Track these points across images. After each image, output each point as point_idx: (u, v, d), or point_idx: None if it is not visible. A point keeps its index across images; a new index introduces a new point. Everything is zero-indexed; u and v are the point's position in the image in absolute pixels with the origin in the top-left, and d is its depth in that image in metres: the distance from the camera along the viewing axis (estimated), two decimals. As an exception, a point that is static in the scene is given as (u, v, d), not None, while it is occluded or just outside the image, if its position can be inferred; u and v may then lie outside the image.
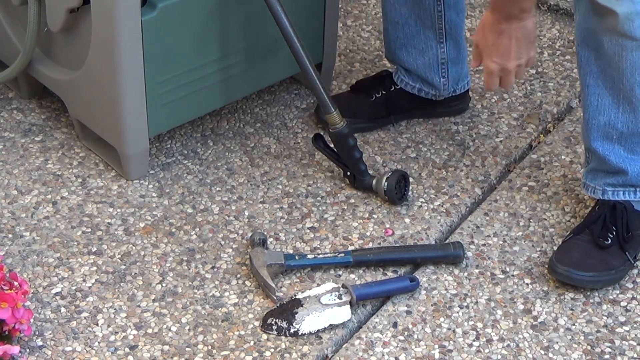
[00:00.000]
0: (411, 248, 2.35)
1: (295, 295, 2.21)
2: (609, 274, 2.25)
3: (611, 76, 2.17)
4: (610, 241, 2.26)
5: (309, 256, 2.30)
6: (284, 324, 2.15)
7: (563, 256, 2.26)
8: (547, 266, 2.29)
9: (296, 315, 2.17)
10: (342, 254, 2.30)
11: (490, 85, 2.21)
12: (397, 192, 2.45)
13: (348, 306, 2.18)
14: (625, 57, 2.11)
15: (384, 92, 2.66)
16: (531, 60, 2.19)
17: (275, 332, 2.15)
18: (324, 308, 2.17)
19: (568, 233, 2.33)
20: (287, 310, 2.18)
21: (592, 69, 2.19)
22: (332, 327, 2.16)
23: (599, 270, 2.24)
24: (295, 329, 2.15)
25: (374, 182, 2.47)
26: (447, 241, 2.38)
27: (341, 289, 2.21)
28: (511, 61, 2.16)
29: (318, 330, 2.15)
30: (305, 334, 2.15)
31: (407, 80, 2.63)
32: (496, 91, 2.71)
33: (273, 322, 2.16)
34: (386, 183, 2.44)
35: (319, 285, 2.26)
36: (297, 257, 2.29)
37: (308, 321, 2.16)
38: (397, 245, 2.37)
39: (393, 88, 2.65)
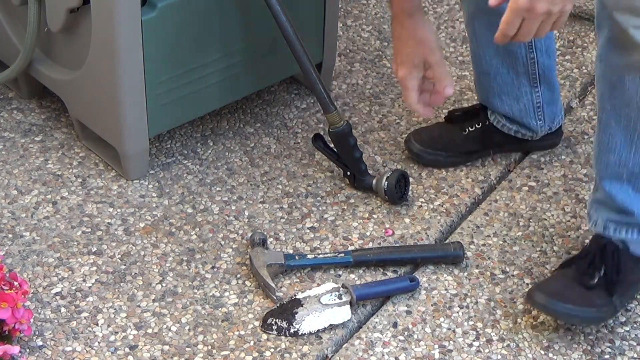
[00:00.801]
0: (411, 248, 2.35)
1: (295, 295, 2.21)
2: (589, 311, 2.10)
3: (627, 115, 2.01)
4: (596, 281, 2.11)
5: (309, 256, 2.30)
6: (284, 324, 2.16)
7: (543, 285, 2.15)
8: (525, 294, 2.19)
9: (296, 315, 2.17)
10: (342, 254, 2.29)
11: (508, 29, 1.87)
12: (397, 191, 2.45)
13: (348, 306, 2.18)
14: None
15: (478, 126, 2.54)
16: (564, 15, 1.86)
17: (275, 332, 2.15)
18: (324, 308, 2.17)
19: (555, 268, 2.23)
20: (287, 310, 2.18)
21: (606, 106, 2.04)
22: (332, 327, 2.16)
23: (578, 304, 2.09)
24: (295, 329, 2.15)
25: (374, 181, 2.47)
26: (447, 241, 2.38)
27: (341, 289, 2.21)
28: (544, 1, 1.82)
29: (318, 330, 2.15)
30: (305, 334, 2.15)
31: (504, 122, 2.52)
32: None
33: (273, 322, 2.16)
34: (386, 182, 2.44)
35: (319, 285, 2.26)
36: (297, 257, 2.29)
37: (308, 321, 2.16)
38: (397, 245, 2.37)
39: (488, 122, 2.54)
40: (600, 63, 2.01)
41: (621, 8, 1.88)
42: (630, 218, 2.10)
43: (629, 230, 2.11)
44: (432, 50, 2.13)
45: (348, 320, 2.18)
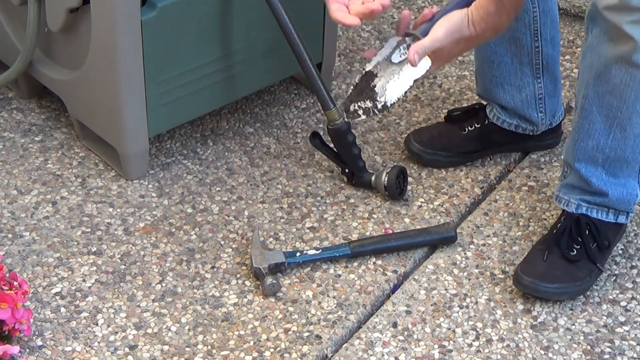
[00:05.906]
0: (406, 234, 2.36)
1: (364, 69, 1.93)
2: (574, 285, 2.22)
3: (609, 103, 2.12)
4: (576, 252, 2.23)
5: (310, 252, 2.30)
6: (369, 103, 1.91)
7: (528, 267, 2.23)
8: (512, 277, 2.26)
9: (376, 89, 1.92)
10: (341, 247, 2.30)
11: None
12: (397, 187, 2.45)
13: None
14: (632, 87, 2.06)
15: (477, 126, 2.56)
16: None
17: (363, 116, 1.91)
18: (401, 66, 1.91)
19: (534, 244, 2.31)
20: (365, 87, 1.92)
21: (589, 94, 2.14)
22: (416, 82, 1.90)
23: (564, 281, 2.22)
24: (383, 102, 1.91)
25: (374, 177, 2.47)
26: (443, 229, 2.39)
27: (407, 39, 1.91)
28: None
29: (405, 93, 1.90)
30: (394, 102, 1.90)
31: (504, 117, 2.53)
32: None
33: (357, 107, 1.93)
34: (386, 178, 2.44)
35: (319, 285, 2.26)
36: (297, 254, 2.29)
37: (391, 89, 1.90)
38: (393, 233, 2.37)
39: (487, 122, 2.55)
40: (589, 53, 2.11)
41: (612, 7, 2.01)
42: (604, 199, 2.23)
43: (600, 211, 2.25)
44: None
45: (429, 67, 1.88)
